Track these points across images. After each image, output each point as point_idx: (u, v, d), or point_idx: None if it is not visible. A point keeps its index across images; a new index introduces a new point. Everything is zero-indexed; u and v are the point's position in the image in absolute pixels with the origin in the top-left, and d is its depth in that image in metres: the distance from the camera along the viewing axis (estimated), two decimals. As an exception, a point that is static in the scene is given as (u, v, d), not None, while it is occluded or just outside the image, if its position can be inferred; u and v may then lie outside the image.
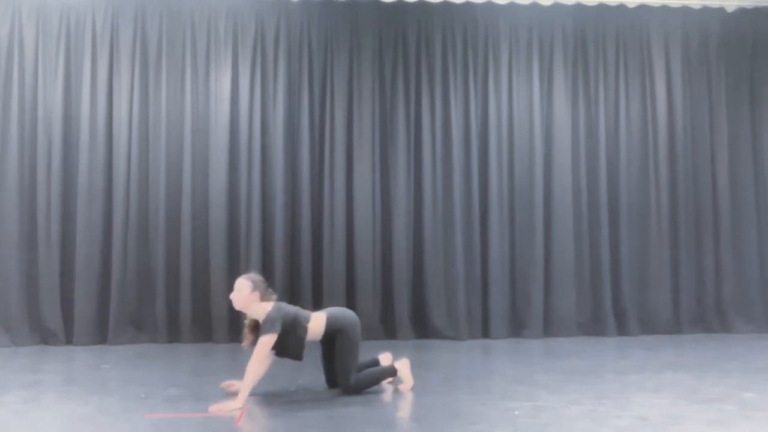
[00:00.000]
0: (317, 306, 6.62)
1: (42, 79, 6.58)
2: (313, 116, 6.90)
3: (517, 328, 6.89)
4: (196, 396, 4.36)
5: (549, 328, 6.87)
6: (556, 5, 6.88)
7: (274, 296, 4.37)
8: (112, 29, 6.68)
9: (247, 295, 4.25)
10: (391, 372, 4.53)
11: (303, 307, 6.49)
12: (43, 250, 6.42)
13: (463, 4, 6.84)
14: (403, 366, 4.55)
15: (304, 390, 4.56)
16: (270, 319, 4.14)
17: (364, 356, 4.58)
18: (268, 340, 4.10)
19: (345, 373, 4.33)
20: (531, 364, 5.55)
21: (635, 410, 3.97)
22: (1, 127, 6.50)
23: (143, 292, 6.55)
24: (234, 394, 4.16)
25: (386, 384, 4.64)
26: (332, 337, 4.37)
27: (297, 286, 6.70)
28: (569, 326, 6.89)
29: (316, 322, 4.36)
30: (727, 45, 7.35)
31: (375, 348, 6.09)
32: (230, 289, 6.46)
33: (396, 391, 4.54)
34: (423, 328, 6.80)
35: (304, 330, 4.29)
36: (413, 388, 4.51)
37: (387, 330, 6.76)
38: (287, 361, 4.36)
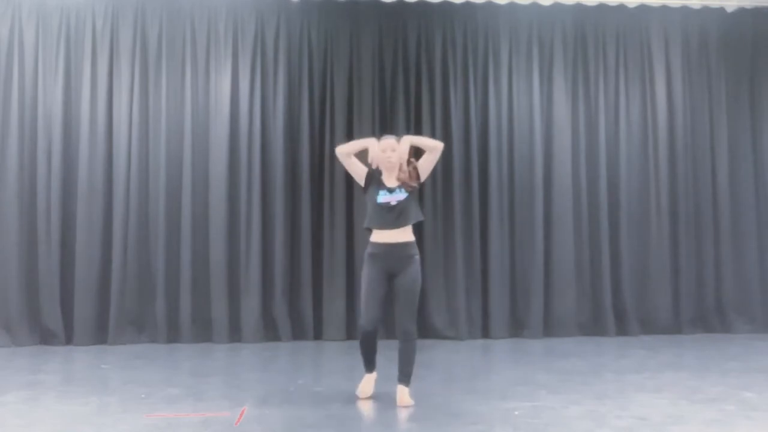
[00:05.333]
0: (317, 306, 6.67)
1: (42, 79, 6.58)
2: (313, 116, 6.89)
3: (517, 328, 6.89)
4: (195, 396, 4.37)
5: (549, 328, 6.87)
6: (556, 5, 6.88)
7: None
8: (112, 29, 6.68)
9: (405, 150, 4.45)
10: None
11: (303, 307, 6.65)
12: (43, 250, 6.41)
13: (463, 4, 6.84)
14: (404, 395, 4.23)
15: (304, 390, 4.57)
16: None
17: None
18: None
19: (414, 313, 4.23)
20: (531, 364, 5.55)
21: (635, 410, 3.97)
22: (1, 127, 6.50)
23: (143, 292, 6.55)
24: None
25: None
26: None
27: (297, 285, 6.69)
28: (569, 326, 6.89)
29: None
30: (727, 45, 7.34)
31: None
32: (230, 289, 6.59)
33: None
34: (423, 327, 6.76)
35: None
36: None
37: (387, 329, 6.71)
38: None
